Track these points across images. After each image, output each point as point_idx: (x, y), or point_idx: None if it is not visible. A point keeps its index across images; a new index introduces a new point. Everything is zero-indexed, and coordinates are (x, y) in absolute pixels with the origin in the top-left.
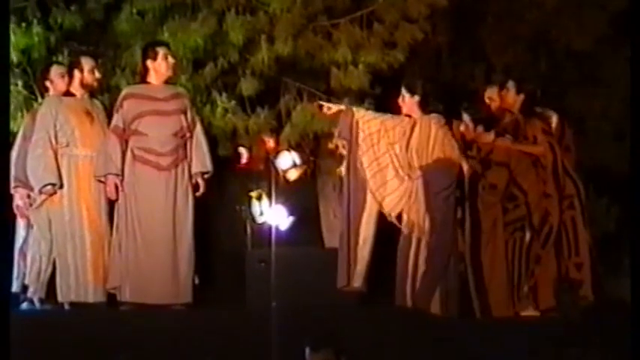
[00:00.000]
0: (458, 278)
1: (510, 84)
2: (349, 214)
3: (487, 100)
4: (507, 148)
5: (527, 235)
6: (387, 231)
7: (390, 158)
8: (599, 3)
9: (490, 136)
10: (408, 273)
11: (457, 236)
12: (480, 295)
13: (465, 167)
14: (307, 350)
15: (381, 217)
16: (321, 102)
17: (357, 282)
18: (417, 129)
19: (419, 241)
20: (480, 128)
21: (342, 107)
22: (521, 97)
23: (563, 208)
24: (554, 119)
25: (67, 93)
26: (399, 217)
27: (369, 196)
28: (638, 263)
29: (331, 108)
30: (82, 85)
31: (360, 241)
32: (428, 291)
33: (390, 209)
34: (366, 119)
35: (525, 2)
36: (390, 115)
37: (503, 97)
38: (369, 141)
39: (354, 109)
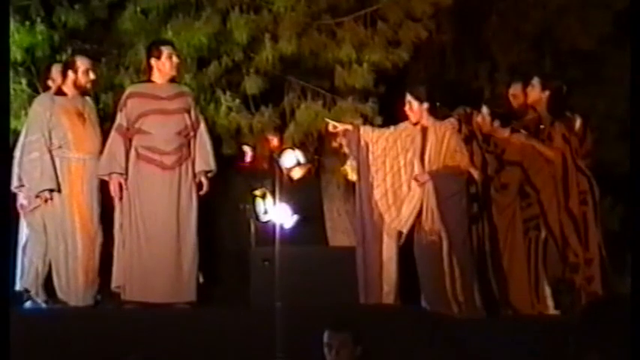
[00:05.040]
0: (472, 279)
1: (535, 80)
2: (365, 234)
3: (511, 98)
4: (521, 147)
5: (543, 234)
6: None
7: (403, 170)
8: (603, 2)
9: (505, 132)
10: (445, 280)
11: (470, 239)
12: (502, 297)
13: (476, 174)
14: (327, 332)
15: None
16: (327, 120)
17: (389, 300)
18: (431, 135)
19: (449, 246)
20: (497, 123)
21: (349, 126)
22: (547, 93)
23: (575, 206)
24: (578, 123)
25: (59, 92)
26: (416, 225)
27: (386, 215)
28: (639, 262)
29: (337, 127)
30: (75, 85)
31: (385, 261)
32: (468, 295)
33: (402, 226)
34: (375, 139)
35: (530, 1)
36: (392, 127)
37: (529, 94)
38: (380, 160)
39: (361, 127)
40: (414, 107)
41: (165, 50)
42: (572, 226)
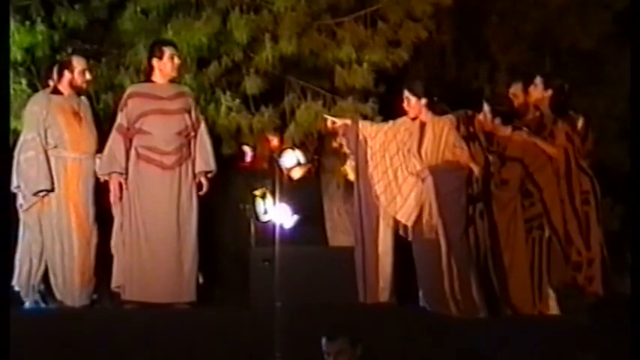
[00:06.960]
0: (470, 277)
1: (538, 79)
2: (363, 230)
3: (511, 97)
4: (523, 144)
5: (547, 233)
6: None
7: (404, 164)
8: (603, 2)
9: (507, 130)
10: (443, 278)
11: (470, 237)
12: (503, 296)
13: (476, 170)
14: (324, 340)
15: (398, 228)
16: (326, 116)
17: (384, 297)
18: (428, 131)
19: (447, 243)
20: (498, 120)
21: (348, 122)
22: (550, 92)
23: (578, 204)
24: (580, 122)
25: (55, 91)
26: (415, 222)
27: (382, 209)
28: (639, 262)
29: (336, 122)
30: (71, 85)
31: (380, 255)
32: (467, 293)
33: (406, 219)
34: (373, 134)
35: (530, 1)
36: (391, 122)
37: (531, 93)
38: (379, 155)
39: (359, 122)
40: (412, 103)
41: (168, 51)
42: (575, 224)
